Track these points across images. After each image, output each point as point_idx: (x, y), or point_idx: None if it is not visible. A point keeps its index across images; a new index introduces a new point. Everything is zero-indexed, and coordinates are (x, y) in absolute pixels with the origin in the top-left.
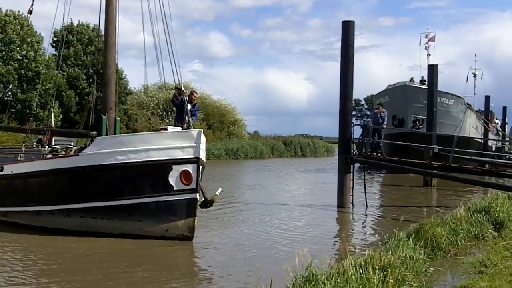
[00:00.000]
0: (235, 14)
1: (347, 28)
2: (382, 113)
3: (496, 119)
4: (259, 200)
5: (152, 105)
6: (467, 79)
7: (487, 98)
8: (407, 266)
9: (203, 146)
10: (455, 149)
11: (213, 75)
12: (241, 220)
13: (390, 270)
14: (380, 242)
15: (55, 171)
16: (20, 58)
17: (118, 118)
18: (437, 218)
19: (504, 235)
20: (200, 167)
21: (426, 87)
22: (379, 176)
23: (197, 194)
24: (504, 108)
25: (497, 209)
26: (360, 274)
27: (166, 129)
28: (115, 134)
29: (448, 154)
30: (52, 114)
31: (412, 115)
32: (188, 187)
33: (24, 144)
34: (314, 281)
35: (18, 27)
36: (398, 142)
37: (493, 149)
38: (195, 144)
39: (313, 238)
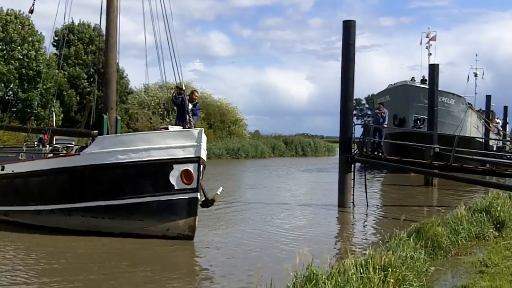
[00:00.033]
0: (235, 13)
1: (348, 28)
2: (383, 113)
3: (497, 118)
4: (260, 200)
5: (153, 104)
6: (468, 78)
7: (488, 97)
8: (408, 265)
9: (204, 145)
10: (456, 148)
11: (214, 75)
12: (242, 219)
13: (390, 270)
14: (380, 241)
15: (56, 171)
16: (21, 57)
17: (119, 118)
18: (438, 218)
19: (505, 235)
20: (201, 166)
21: (427, 87)
22: (380, 175)
23: (198, 194)
24: (505, 108)
25: (498, 208)
26: (361, 273)
27: (167, 128)
28: (116, 133)
29: (449, 154)
30: (54, 113)
31: (413, 115)
32: (189, 187)
33: (25, 144)
34: (314, 281)
35: (19, 26)
36: (399, 141)
37: (494, 149)
38: (196, 144)
39: (314, 238)
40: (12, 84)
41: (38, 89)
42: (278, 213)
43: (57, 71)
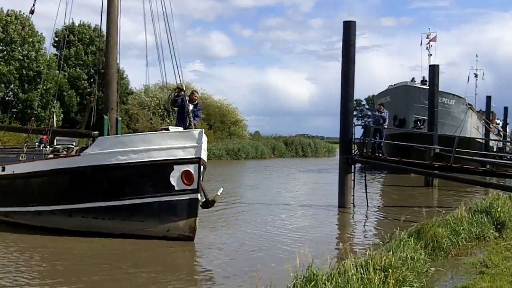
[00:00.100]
0: (236, 14)
1: (349, 28)
2: (383, 113)
3: (497, 119)
4: (260, 200)
5: (153, 105)
6: (468, 79)
7: (488, 98)
8: (408, 266)
9: (204, 146)
10: (456, 149)
11: (214, 75)
12: (243, 220)
13: (391, 271)
14: (381, 242)
15: (56, 171)
16: (21, 58)
17: (119, 118)
18: (438, 219)
19: (505, 236)
20: (202, 167)
21: (427, 87)
22: (380, 176)
23: (199, 194)
24: (506, 109)
25: (498, 209)
26: (361, 274)
27: (167, 129)
28: (116, 134)
29: (449, 155)
30: (54, 114)
31: (413, 115)
32: (189, 187)
33: (25, 144)
34: (315, 281)
35: (20, 27)
36: (399, 142)
37: (494, 150)
38: (196, 144)
39: (314, 239)
40: (13, 85)
41: (39, 90)
42: (279, 214)
43: (57, 71)
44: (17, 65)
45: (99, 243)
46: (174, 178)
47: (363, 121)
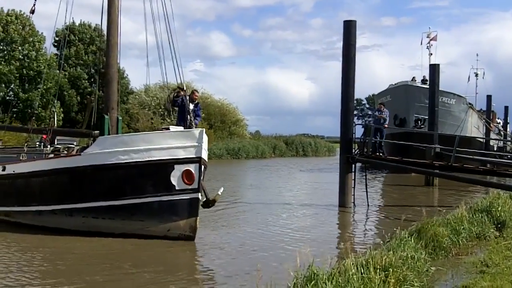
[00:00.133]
0: (236, 14)
1: (349, 28)
2: (383, 113)
3: (498, 118)
4: (261, 200)
5: (153, 104)
6: (468, 78)
7: (489, 97)
8: (409, 265)
9: (205, 145)
10: (457, 148)
11: (215, 75)
12: (244, 220)
13: (391, 270)
14: (381, 241)
15: (57, 171)
16: (22, 57)
17: (120, 118)
18: (438, 218)
19: (506, 235)
20: (202, 166)
21: (428, 87)
22: (380, 175)
23: (199, 194)
24: (506, 108)
25: (499, 208)
26: (362, 274)
27: (168, 128)
28: (117, 133)
29: (450, 154)
30: (55, 113)
31: (414, 115)
32: (190, 187)
33: (26, 144)
34: (315, 281)
35: (20, 26)
36: (400, 141)
37: (495, 149)
38: (197, 144)
39: (314, 238)
40: (13, 85)
41: (39, 90)
42: (279, 213)
43: (58, 71)
44: (18, 64)
45: (99, 242)
46: (175, 178)
47: (363, 120)
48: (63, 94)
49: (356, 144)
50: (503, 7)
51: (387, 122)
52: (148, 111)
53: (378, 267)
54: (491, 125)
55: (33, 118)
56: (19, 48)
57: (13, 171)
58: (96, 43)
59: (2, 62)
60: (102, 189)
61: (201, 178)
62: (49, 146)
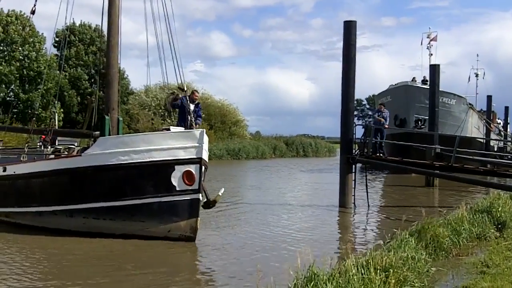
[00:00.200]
0: (236, 14)
1: (349, 28)
2: (384, 113)
3: (498, 119)
4: (261, 201)
5: (153, 105)
6: (469, 79)
7: (489, 98)
8: (409, 266)
9: (205, 146)
10: (457, 149)
11: (215, 75)
12: (244, 220)
13: (392, 271)
14: (382, 242)
15: (57, 172)
16: (22, 58)
17: (121, 119)
18: (439, 218)
19: (506, 235)
20: (203, 167)
21: (428, 87)
22: (381, 176)
23: (200, 195)
24: (506, 108)
25: (499, 209)
26: (362, 274)
27: (168, 129)
28: (118, 134)
29: (450, 154)
30: (56, 114)
31: (414, 115)
32: (190, 188)
33: (26, 145)
34: (315, 281)
35: (20, 27)
36: (400, 142)
37: (495, 149)
38: (197, 145)
39: (315, 239)
40: (13, 85)
41: (39, 90)
42: (280, 214)
43: (58, 72)
44: (18, 65)
45: (100, 243)
46: (175, 178)
47: (363, 121)
48: (63, 94)
49: (356, 145)
50: (503, 7)
51: (387, 123)
52: (149, 111)
53: (378, 267)
54: (492, 125)
55: (34, 119)
56: (20, 48)
57: (14, 172)
58: (96, 43)
59: (3, 63)
60: (102, 189)
61: (202, 178)
62: (49, 146)
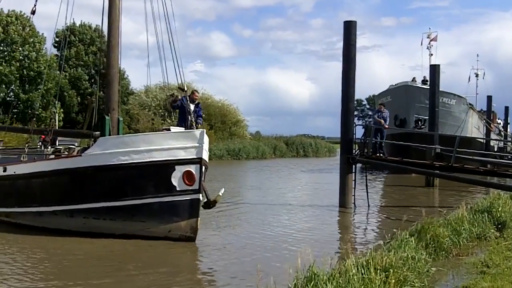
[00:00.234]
0: (236, 14)
1: (349, 28)
2: (384, 113)
3: (498, 119)
4: (261, 201)
5: (153, 105)
6: (469, 79)
7: (489, 98)
8: (409, 266)
9: (206, 146)
10: (457, 149)
11: (215, 75)
12: (244, 220)
13: (392, 271)
14: (382, 242)
15: (58, 172)
16: (22, 58)
17: (121, 119)
18: (439, 218)
19: (506, 235)
20: (203, 167)
21: (428, 87)
22: (381, 176)
23: (200, 195)
24: (506, 108)
25: (499, 209)
26: (362, 274)
27: (169, 129)
28: (118, 134)
29: (450, 154)
30: (56, 114)
31: (414, 115)
32: (191, 188)
33: (27, 145)
34: (315, 281)
35: (20, 27)
36: (400, 142)
37: (495, 149)
38: (197, 145)
39: (315, 239)
40: (13, 85)
41: (39, 90)
42: (280, 214)
43: (58, 72)
44: (18, 65)
45: (100, 243)
46: (176, 179)
47: (364, 121)
48: (64, 94)
49: (356, 145)
50: (503, 7)
51: (387, 123)
52: (149, 111)
53: (378, 267)
54: (492, 125)
55: (34, 119)
56: (20, 49)
57: (14, 172)
58: (96, 43)
59: (3, 63)
60: (103, 190)
61: (202, 179)
62: (49, 146)
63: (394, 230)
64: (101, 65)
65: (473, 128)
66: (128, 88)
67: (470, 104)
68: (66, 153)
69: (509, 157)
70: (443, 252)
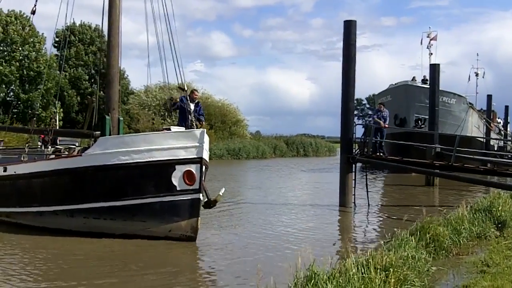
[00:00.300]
0: (236, 14)
1: (349, 28)
2: (384, 113)
3: (498, 118)
4: (262, 200)
5: (153, 105)
6: (469, 78)
7: (489, 97)
8: (409, 265)
9: (206, 146)
10: (457, 148)
11: (215, 75)
12: (245, 220)
13: (392, 270)
14: (382, 241)
15: (58, 172)
16: (22, 58)
17: (121, 118)
18: (439, 218)
19: (506, 235)
20: (203, 167)
21: (428, 87)
22: (381, 175)
23: (200, 194)
24: (506, 107)
25: (499, 208)
26: (362, 273)
27: (169, 129)
28: (118, 134)
29: (450, 154)
30: (57, 114)
31: (414, 115)
32: (191, 187)
33: (27, 145)
34: (316, 281)
35: (20, 27)
36: (400, 141)
37: (495, 148)
38: (198, 144)
39: (317, 238)
40: (13, 85)
41: (39, 90)
42: (280, 213)
43: (58, 72)
44: (18, 65)
45: (100, 243)
46: (176, 178)
47: (364, 120)
48: (64, 94)
49: (356, 144)
50: (503, 6)
51: (387, 122)
52: (148, 111)
53: (378, 267)
54: (492, 124)
55: (34, 119)
56: (20, 48)
57: (15, 172)
58: (96, 43)
59: (3, 63)
60: (103, 189)
61: (203, 178)
62: (50, 146)
63: (394, 229)
64: (101, 65)
65: (473, 127)
66: (128, 88)
67: (470, 103)
68: (67, 153)
69: (509, 156)
70: (443, 251)
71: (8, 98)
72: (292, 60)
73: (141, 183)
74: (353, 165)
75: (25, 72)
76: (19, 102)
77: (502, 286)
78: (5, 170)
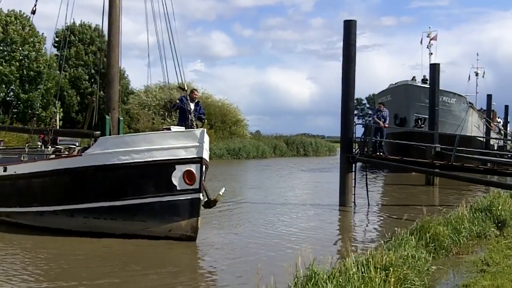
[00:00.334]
0: (236, 13)
1: (349, 28)
2: (384, 112)
3: (498, 118)
4: (262, 200)
5: (153, 104)
6: (469, 78)
7: (489, 97)
8: (409, 265)
9: (206, 146)
10: (457, 148)
11: (215, 75)
12: (245, 220)
13: (392, 269)
14: (382, 241)
15: (58, 172)
16: (22, 58)
17: (121, 118)
18: (439, 217)
19: (506, 234)
20: (204, 167)
21: (428, 86)
22: (381, 175)
23: (201, 194)
24: (506, 107)
25: (499, 207)
26: (362, 273)
27: (169, 129)
28: (118, 134)
29: (450, 153)
30: (57, 114)
31: (414, 114)
32: (191, 187)
33: (27, 145)
34: (316, 280)
35: (20, 27)
36: (400, 141)
37: (495, 148)
38: (198, 144)
39: (315, 238)
40: (13, 85)
41: (39, 90)
42: (281, 213)
43: (58, 72)
44: (18, 65)
45: (100, 243)
46: (176, 178)
47: (364, 120)
48: (64, 94)
49: (356, 144)
50: (503, 6)
51: (387, 122)
52: (148, 111)
53: (378, 266)
54: (492, 124)
55: (34, 119)
56: (19, 48)
57: (15, 172)
58: (96, 43)
59: (3, 63)
60: (103, 189)
61: (203, 178)
62: (50, 146)
63: (394, 228)
64: (101, 64)
65: (473, 127)
66: (128, 87)
67: (470, 103)
68: (67, 153)
69: (509, 155)
70: (443, 251)
71: (8, 98)
72: (292, 60)
73: (141, 183)
74: (353, 165)
75: (25, 72)
76: (19, 102)
77: (502, 285)
78: (5, 170)
